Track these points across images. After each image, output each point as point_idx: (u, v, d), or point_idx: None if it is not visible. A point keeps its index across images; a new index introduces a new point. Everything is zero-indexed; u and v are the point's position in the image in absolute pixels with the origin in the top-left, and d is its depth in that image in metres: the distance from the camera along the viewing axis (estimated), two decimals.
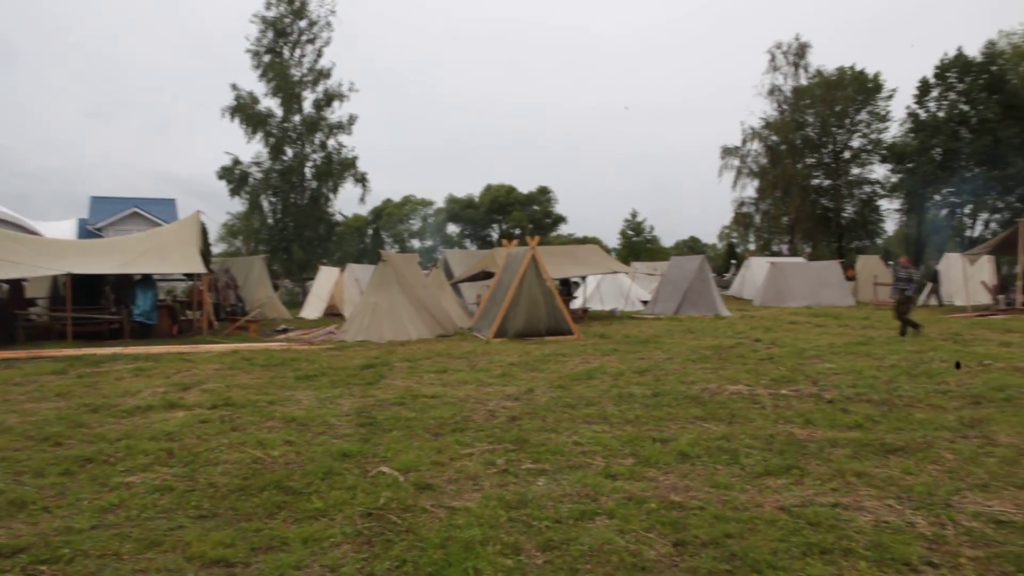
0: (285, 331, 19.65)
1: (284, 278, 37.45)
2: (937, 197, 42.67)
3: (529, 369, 10.72)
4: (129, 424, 7.09)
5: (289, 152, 36.79)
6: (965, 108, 40.66)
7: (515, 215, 73.54)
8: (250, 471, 5.36)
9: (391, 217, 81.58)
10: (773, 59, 49.05)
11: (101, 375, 10.67)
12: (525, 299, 15.89)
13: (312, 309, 27.16)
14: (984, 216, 42.43)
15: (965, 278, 23.70)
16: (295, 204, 37.04)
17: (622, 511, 4.34)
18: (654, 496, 4.63)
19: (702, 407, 7.47)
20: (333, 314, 26.25)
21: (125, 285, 18.45)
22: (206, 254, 20.34)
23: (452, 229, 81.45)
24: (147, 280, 17.89)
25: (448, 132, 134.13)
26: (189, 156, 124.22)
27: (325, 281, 27.93)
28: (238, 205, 39.23)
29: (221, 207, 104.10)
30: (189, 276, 20.52)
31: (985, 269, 25.11)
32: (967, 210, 42.76)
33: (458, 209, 78.43)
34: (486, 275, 21.32)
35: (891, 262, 49.93)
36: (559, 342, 14.82)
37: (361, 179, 38.11)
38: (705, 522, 4.15)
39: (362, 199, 39.54)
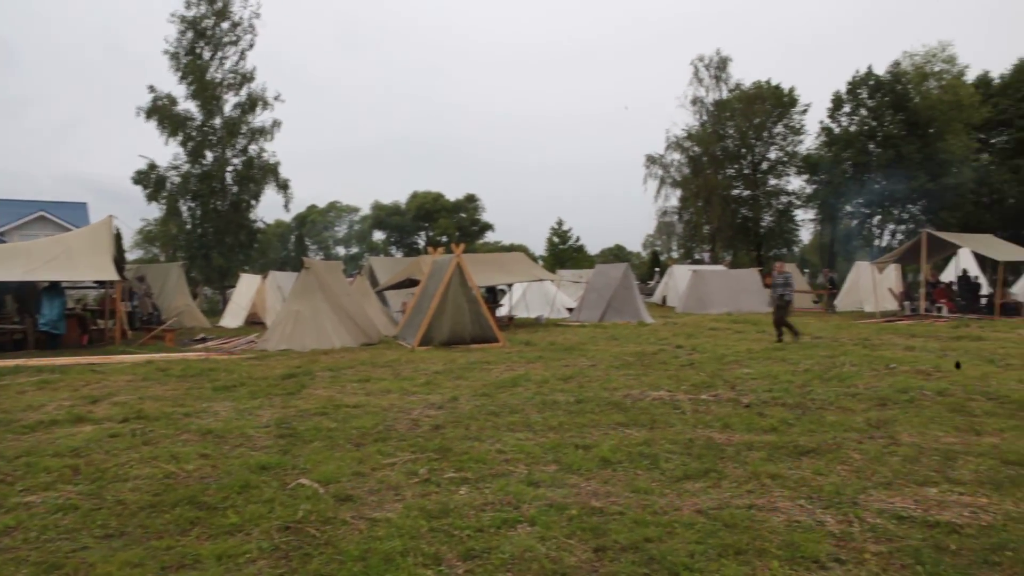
0: (203, 340, 19.06)
1: (203, 286, 36.28)
2: (848, 207, 44.62)
3: (454, 377, 10.68)
4: (31, 440, 6.73)
5: (209, 156, 35.64)
6: (873, 123, 42.70)
7: (442, 222, 73.35)
8: (162, 486, 5.16)
9: (315, 223, 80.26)
10: (696, 71, 50.48)
11: (1, 389, 10.10)
12: (450, 307, 15.84)
13: (232, 318, 26.50)
14: (891, 226, 44.57)
15: (874, 285, 24.79)
16: (215, 209, 35.84)
17: (544, 518, 4.36)
18: (575, 503, 4.67)
19: (624, 413, 7.58)
20: (254, 323, 25.63)
21: (30, 293, 17.55)
22: (119, 261, 19.53)
23: (378, 236, 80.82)
24: (54, 288, 17.05)
25: (375, 138, 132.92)
26: (101, 157, 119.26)
27: (246, 289, 27.28)
28: (155, 210, 37.80)
29: (137, 212, 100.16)
30: (101, 283, 19.66)
31: (892, 277, 26.34)
32: (875, 220, 44.84)
33: (384, 216, 77.86)
34: (411, 283, 21.17)
35: (806, 269, 52.02)
36: (484, 350, 14.82)
37: (283, 185, 37.22)
38: (625, 527, 4.20)
39: (286, 206, 38.67)
